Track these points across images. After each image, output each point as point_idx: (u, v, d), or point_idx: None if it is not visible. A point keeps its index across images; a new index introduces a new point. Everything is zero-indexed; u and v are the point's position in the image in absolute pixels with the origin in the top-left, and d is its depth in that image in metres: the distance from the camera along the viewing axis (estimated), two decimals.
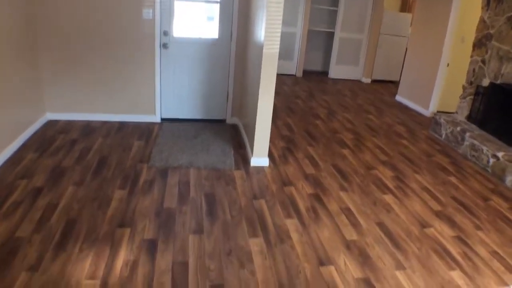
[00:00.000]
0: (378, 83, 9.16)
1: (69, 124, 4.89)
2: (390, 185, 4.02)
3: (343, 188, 3.86)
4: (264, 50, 3.72)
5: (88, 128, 4.80)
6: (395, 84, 9.18)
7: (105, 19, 4.70)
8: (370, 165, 4.43)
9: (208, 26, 5.02)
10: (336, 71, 9.15)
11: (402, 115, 6.62)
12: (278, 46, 3.77)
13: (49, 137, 4.47)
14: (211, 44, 5.00)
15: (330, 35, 9.39)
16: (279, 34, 3.73)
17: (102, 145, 4.35)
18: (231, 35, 4.96)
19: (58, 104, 4.98)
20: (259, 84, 3.89)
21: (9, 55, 4.02)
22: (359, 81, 9.16)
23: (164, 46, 4.88)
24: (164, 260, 2.72)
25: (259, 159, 4.10)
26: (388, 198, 3.77)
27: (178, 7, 4.84)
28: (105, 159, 4.03)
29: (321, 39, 9.56)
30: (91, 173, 3.72)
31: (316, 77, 9.16)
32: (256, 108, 4.00)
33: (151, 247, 2.82)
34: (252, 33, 4.39)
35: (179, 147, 4.36)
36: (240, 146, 4.59)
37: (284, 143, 4.81)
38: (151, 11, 4.72)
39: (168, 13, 4.78)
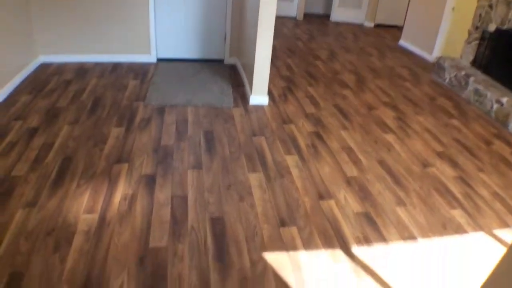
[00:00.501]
0: (382, 28, 8.87)
1: (63, 66, 4.75)
2: (392, 125, 3.94)
3: (344, 127, 3.79)
4: None
5: (82, 70, 4.66)
6: (399, 29, 8.89)
7: None
8: (371, 106, 4.33)
9: None
10: (338, 14, 8.84)
11: (405, 59, 6.44)
12: None
13: (43, 80, 4.35)
14: None
15: None
16: None
17: (96, 86, 4.23)
18: None
19: (51, 46, 4.81)
20: (257, 20, 3.72)
21: None
22: (361, 25, 8.87)
23: None
24: (163, 194, 2.69)
25: (258, 97, 3.99)
26: (389, 137, 3.70)
27: None
28: (100, 99, 3.93)
29: None
30: (86, 113, 3.64)
31: (317, 20, 8.87)
32: (254, 46, 3.85)
33: (150, 182, 2.79)
34: None
35: (176, 86, 4.24)
36: (238, 85, 4.48)
37: (284, 82, 4.69)
38: None
39: None
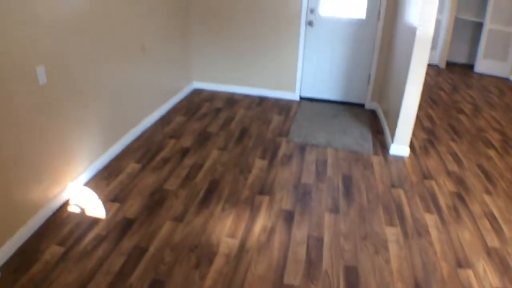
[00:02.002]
0: None
1: (213, 94, 5.21)
2: None
3: (487, 191, 3.55)
4: (417, 33, 3.53)
5: (231, 100, 5.06)
6: None
7: None
8: None
9: (355, 6, 4.89)
10: (482, 65, 8.36)
11: None
12: (433, 30, 3.54)
13: (196, 104, 4.81)
14: (357, 25, 4.88)
15: (478, 25, 8.58)
16: (434, 17, 3.49)
17: (244, 116, 4.56)
18: (379, 16, 4.78)
19: (204, 74, 5.32)
20: (407, 69, 3.71)
21: (166, 26, 4.39)
22: (507, 79, 8.28)
23: (310, 24, 4.89)
24: (300, 232, 2.78)
25: (399, 147, 3.94)
26: None
27: None
28: (247, 130, 4.22)
29: (468, 29, 8.78)
30: (234, 141, 3.94)
31: (460, 69, 8.48)
32: (400, 94, 3.84)
33: (288, 218, 2.90)
34: (403, 14, 4.19)
35: (317, 126, 4.38)
36: (378, 132, 4.46)
37: (425, 134, 4.56)
38: None
39: None
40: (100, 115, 3.30)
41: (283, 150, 3.84)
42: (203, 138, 3.96)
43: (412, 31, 3.67)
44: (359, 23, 4.88)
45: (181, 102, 4.86)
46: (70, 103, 2.89)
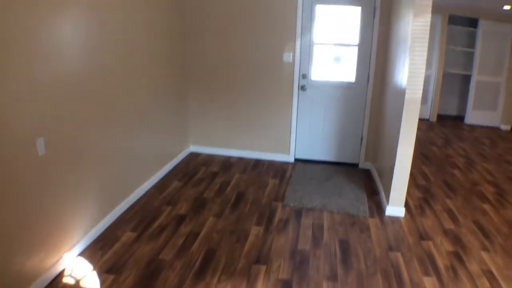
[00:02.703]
0: None
1: (210, 157, 5.28)
2: None
3: (484, 248, 3.54)
4: (406, 96, 3.65)
5: (227, 163, 5.13)
6: None
7: (249, 60, 5.05)
8: None
9: (345, 69, 5.09)
10: (473, 117, 8.55)
11: None
12: (421, 92, 3.67)
13: (192, 168, 4.87)
14: (347, 87, 5.05)
15: (466, 78, 8.87)
16: (422, 79, 3.63)
17: (239, 180, 4.60)
18: (368, 79, 4.96)
19: (201, 138, 5.42)
20: (398, 129, 3.81)
21: (165, 91, 4.55)
22: (497, 128, 8.44)
23: (302, 88, 5.06)
24: None
25: (395, 208, 3.96)
26: None
27: (316, 50, 5.01)
28: (243, 194, 4.25)
29: (456, 82, 9.07)
30: (230, 207, 3.95)
31: (451, 122, 8.66)
32: (393, 154, 3.91)
33: None
34: (391, 77, 4.34)
35: (312, 189, 4.42)
36: (373, 192, 4.50)
37: (420, 193, 4.60)
38: (291, 54, 4.95)
39: (307, 56, 4.97)
40: (97, 183, 3.34)
41: (279, 215, 3.85)
42: (199, 205, 3.97)
43: (401, 93, 3.80)
44: (350, 86, 5.05)
45: (177, 166, 4.92)
46: (67, 172, 2.94)
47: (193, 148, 5.48)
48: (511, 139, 7.56)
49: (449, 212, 4.15)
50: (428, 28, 3.54)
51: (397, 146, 3.80)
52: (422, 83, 3.65)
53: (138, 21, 3.82)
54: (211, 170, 4.86)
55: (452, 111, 9.25)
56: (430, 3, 3.46)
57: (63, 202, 2.92)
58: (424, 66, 3.63)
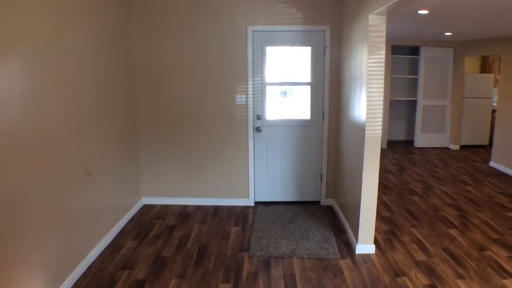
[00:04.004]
0: (467, 149, 8.66)
1: (164, 209, 4.96)
2: (508, 267, 3.55)
3: (459, 276, 3.45)
4: (366, 132, 3.59)
5: (184, 213, 4.82)
6: (485, 148, 8.67)
7: (201, 105, 4.88)
8: (482, 246, 3.98)
9: (300, 107, 5.01)
10: (422, 140, 8.78)
11: (502, 184, 6.09)
12: (381, 127, 3.62)
13: (147, 223, 4.53)
14: (303, 125, 4.97)
15: (412, 103, 9.17)
16: (381, 115, 3.60)
17: (199, 232, 4.31)
18: (323, 116, 4.91)
19: (154, 189, 5.10)
20: (359, 165, 3.73)
21: (113, 141, 4.23)
22: (447, 149, 8.70)
23: (257, 129, 4.92)
24: None
25: (365, 246, 3.82)
26: (509, 283, 3.30)
27: (269, 91, 4.92)
28: (205, 248, 3.95)
29: (403, 108, 9.35)
30: (193, 264, 3.63)
31: (401, 147, 8.84)
32: (356, 190, 3.81)
33: None
34: (347, 113, 4.30)
35: (277, 234, 4.21)
36: (340, 231, 4.34)
37: (385, 225, 4.50)
38: (244, 96, 4.82)
39: (260, 97, 4.86)
40: (43, 251, 2.92)
41: (246, 268, 3.58)
42: (159, 265, 3.63)
43: (360, 129, 3.75)
44: (305, 124, 4.97)
45: (130, 222, 4.55)
46: (11, 241, 2.55)
47: (146, 200, 5.14)
48: (461, 159, 7.78)
49: (418, 243, 4.07)
50: (383, 64, 3.54)
51: (361, 183, 3.70)
52: (381, 119, 3.62)
53: (83, 67, 3.51)
54: (168, 223, 4.54)
55: (401, 136, 9.48)
56: (384, 40, 3.47)
57: (7, 277, 2.50)
58: (381, 102, 3.61)
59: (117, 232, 4.27)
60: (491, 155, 7.35)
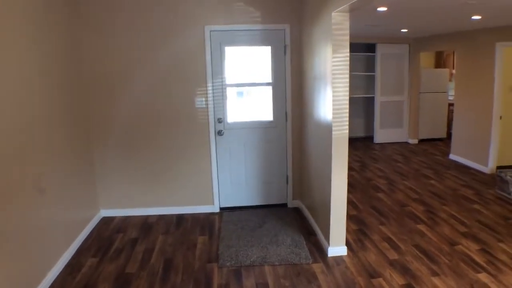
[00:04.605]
0: (426, 142, 8.86)
1: (125, 221, 4.69)
2: (480, 260, 3.57)
3: (434, 273, 3.42)
4: (333, 132, 3.50)
5: (146, 225, 4.57)
6: (443, 141, 8.89)
7: (158, 110, 4.65)
8: (452, 240, 4.00)
9: (262, 108, 4.88)
10: (381, 135, 8.90)
11: (463, 176, 6.24)
12: (347, 126, 3.55)
13: (107, 237, 4.25)
14: (266, 127, 4.84)
15: (370, 100, 9.29)
16: (347, 114, 3.52)
17: (164, 244, 4.08)
18: (286, 116, 4.80)
19: (112, 199, 4.82)
20: (327, 165, 3.64)
21: (64, 153, 3.91)
22: (406, 143, 8.86)
23: (219, 133, 4.74)
24: None
25: (336, 248, 3.74)
26: (483, 277, 3.31)
27: (230, 93, 4.76)
28: (171, 261, 3.73)
29: (361, 105, 9.44)
30: (159, 281, 3.40)
31: (361, 143, 8.91)
32: (325, 191, 3.74)
33: None
34: (312, 113, 4.21)
35: (246, 241, 4.05)
36: (309, 233, 4.24)
37: (354, 225, 4.45)
38: (203, 99, 4.64)
39: (221, 100, 4.69)
40: None
41: (217, 280, 3.39)
42: (122, 284, 3.37)
43: (326, 129, 3.67)
44: (268, 125, 4.85)
45: (89, 237, 4.25)
46: None
47: (105, 212, 4.84)
48: (421, 153, 7.92)
49: (389, 241, 4.03)
50: (348, 62, 3.46)
51: (330, 183, 3.61)
52: (347, 118, 3.54)
53: (29, 77, 3.20)
54: (129, 236, 4.27)
55: (361, 132, 9.58)
56: (348, 37, 3.39)
57: None
58: (347, 101, 3.53)
59: (75, 249, 3.97)
60: (450, 148, 7.53)
